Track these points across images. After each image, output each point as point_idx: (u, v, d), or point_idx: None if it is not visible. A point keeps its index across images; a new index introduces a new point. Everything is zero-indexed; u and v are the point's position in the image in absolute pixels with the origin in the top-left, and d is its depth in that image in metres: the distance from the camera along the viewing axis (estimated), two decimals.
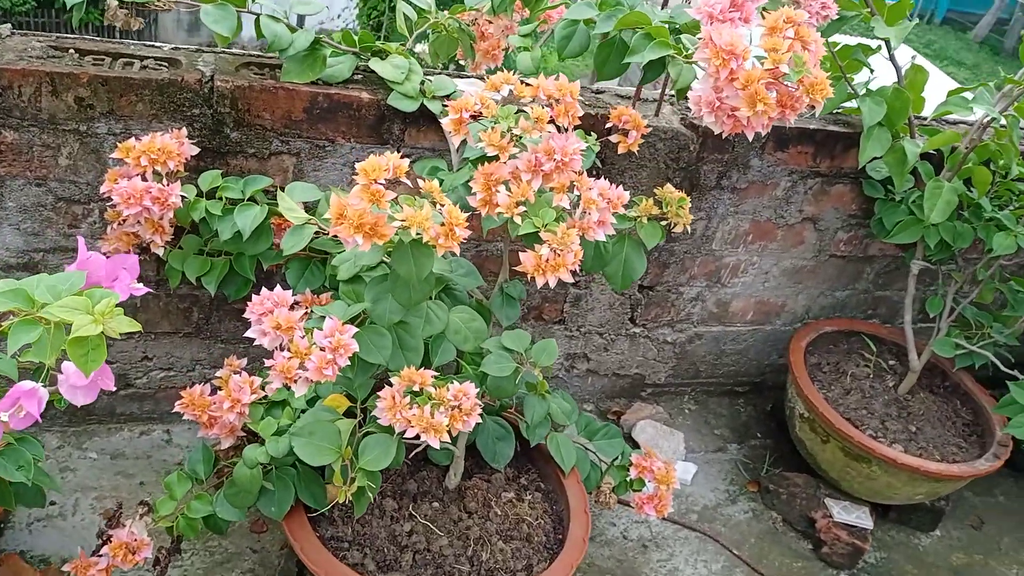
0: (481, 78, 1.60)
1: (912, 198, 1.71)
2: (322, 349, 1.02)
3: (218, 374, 1.33)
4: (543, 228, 1.04)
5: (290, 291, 1.06)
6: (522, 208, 1.05)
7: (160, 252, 1.31)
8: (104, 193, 1.29)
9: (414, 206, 0.96)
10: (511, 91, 1.08)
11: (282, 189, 1.45)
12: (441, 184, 1.38)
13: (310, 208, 1.31)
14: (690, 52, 1.13)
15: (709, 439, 2.04)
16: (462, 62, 1.66)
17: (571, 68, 8.00)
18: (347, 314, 1.10)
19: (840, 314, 2.09)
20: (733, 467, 1.99)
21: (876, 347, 1.94)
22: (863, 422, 1.74)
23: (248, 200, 1.33)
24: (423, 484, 1.35)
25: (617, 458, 1.51)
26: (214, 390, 1.27)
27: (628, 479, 1.56)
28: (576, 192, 1.09)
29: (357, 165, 0.96)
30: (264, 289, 1.06)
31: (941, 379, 1.90)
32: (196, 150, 1.33)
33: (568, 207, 1.08)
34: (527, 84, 1.09)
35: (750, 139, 1.10)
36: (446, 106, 1.10)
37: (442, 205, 0.98)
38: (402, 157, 1.51)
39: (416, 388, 1.07)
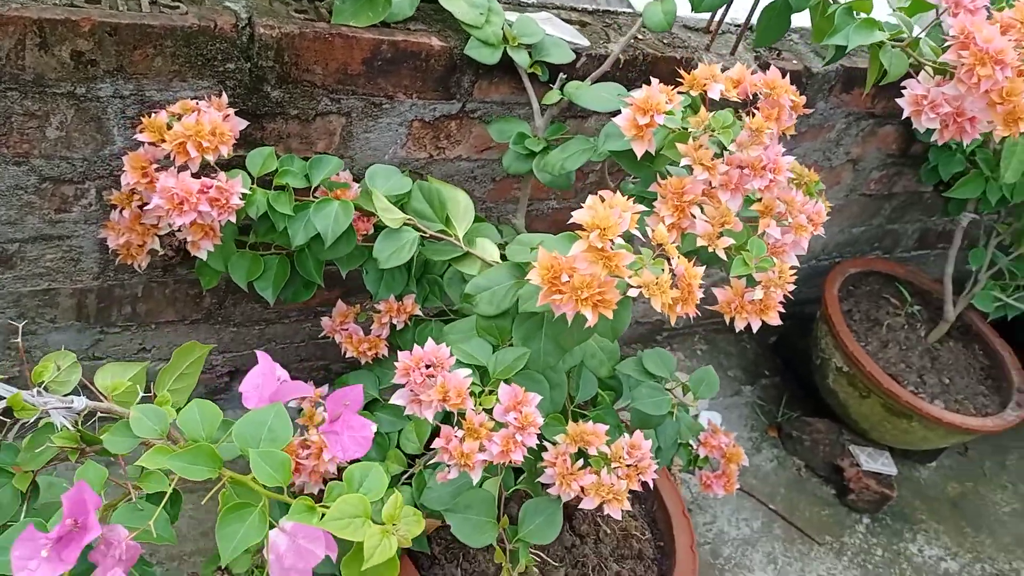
0: (545, 6, 1.34)
1: (970, 148, 1.63)
2: (501, 425, 0.82)
3: (291, 403, 1.09)
4: (755, 266, 0.87)
5: (445, 347, 0.84)
6: (728, 240, 0.86)
7: (203, 256, 1.02)
8: (128, 186, 0.98)
9: (644, 262, 0.75)
10: (720, 91, 0.86)
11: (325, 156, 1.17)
12: (534, 157, 1.16)
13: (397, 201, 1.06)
14: (899, 33, 0.94)
15: (725, 382, 1.99)
16: None
17: None
18: (501, 364, 0.90)
19: (852, 249, 2.04)
20: (751, 411, 1.96)
21: (895, 288, 1.92)
22: (903, 377, 1.72)
23: (315, 190, 1.05)
24: None
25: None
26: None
27: (695, 456, 1.48)
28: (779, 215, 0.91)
29: (578, 216, 0.73)
30: (416, 347, 0.83)
31: (959, 324, 1.91)
32: (244, 124, 1.02)
33: (776, 234, 0.90)
34: (729, 78, 0.87)
35: (965, 144, 0.95)
36: (629, 104, 0.87)
37: (670, 258, 0.78)
38: (471, 113, 1.27)
39: (592, 450, 0.90)
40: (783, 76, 1.48)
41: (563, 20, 1.32)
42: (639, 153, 0.87)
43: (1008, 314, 1.75)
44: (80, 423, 0.67)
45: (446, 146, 1.27)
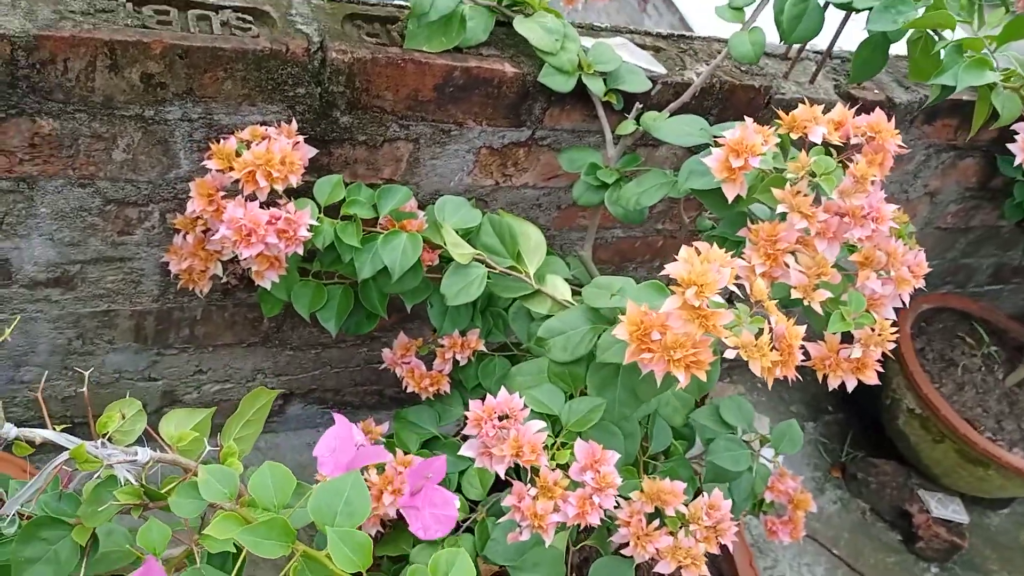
0: (619, 30, 1.29)
1: None
2: (576, 484, 0.77)
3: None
4: (854, 322, 0.81)
5: (518, 397, 0.80)
6: (825, 293, 0.80)
7: (267, 285, 0.99)
8: (194, 212, 0.95)
9: (741, 320, 0.70)
10: (823, 135, 0.80)
11: (391, 182, 1.14)
12: (606, 189, 1.12)
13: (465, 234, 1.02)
14: (1012, 74, 0.87)
15: (787, 418, 1.91)
16: None
17: None
18: (575, 415, 0.85)
19: (924, 284, 1.95)
20: (814, 449, 1.88)
21: (970, 325, 1.83)
22: (980, 422, 1.64)
23: (380, 220, 1.01)
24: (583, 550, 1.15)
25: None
26: None
27: (760, 500, 1.42)
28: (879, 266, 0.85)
29: (673, 271, 0.68)
30: (488, 397, 0.79)
31: None
32: (313, 152, 0.99)
33: (877, 287, 0.84)
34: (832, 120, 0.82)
35: None
36: (719, 143, 0.82)
37: (768, 316, 0.72)
38: (539, 141, 1.22)
39: (670, 510, 0.85)
40: (865, 106, 1.43)
41: (637, 45, 1.27)
42: (730, 197, 0.82)
43: None
44: (144, 475, 0.64)
45: (513, 173, 1.23)
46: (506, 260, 0.98)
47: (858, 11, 0.98)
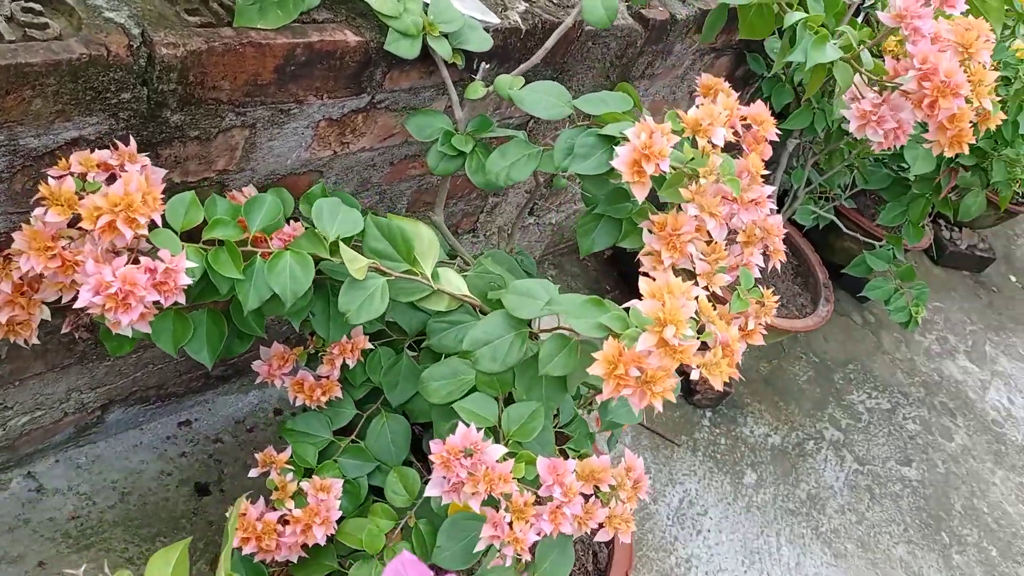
0: None
1: (799, 79, 1.76)
2: (542, 500, 0.81)
3: (251, 474, 0.98)
4: (745, 294, 0.90)
5: (475, 430, 0.80)
6: (725, 277, 0.88)
7: (128, 333, 0.86)
8: (31, 271, 0.78)
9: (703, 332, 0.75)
10: (724, 135, 0.84)
11: (226, 172, 1.01)
12: (466, 159, 1.10)
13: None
14: (848, 45, 0.97)
15: None
16: None
17: None
18: (515, 423, 0.87)
19: None
20: None
21: None
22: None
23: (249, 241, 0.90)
24: None
25: None
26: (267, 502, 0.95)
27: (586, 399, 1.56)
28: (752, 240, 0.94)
29: (646, 310, 0.71)
30: (450, 437, 0.78)
31: None
32: (162, 173, 0.84)
33: (760, 263, 0.93)
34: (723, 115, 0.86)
35: (897, 147, 1.03)
36: (621, 140, 0.83)
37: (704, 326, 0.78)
38: (378, 104, 1.14)
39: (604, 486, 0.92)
40: (655, 24, 1.49)
41: None
42: (640, 198, 0.85)
43: (820, 223, 1.98)
44: None
45: (351, 140, 1.14)
46: (401, 264, 0.94)
47: None
